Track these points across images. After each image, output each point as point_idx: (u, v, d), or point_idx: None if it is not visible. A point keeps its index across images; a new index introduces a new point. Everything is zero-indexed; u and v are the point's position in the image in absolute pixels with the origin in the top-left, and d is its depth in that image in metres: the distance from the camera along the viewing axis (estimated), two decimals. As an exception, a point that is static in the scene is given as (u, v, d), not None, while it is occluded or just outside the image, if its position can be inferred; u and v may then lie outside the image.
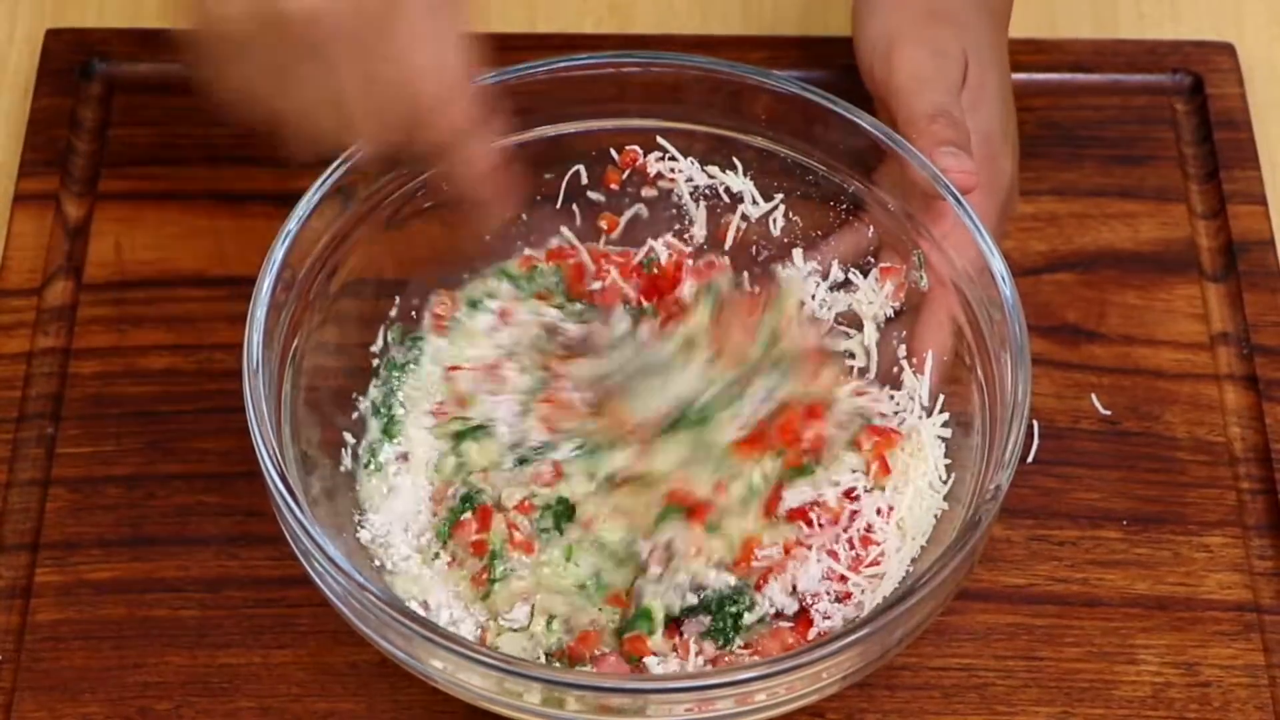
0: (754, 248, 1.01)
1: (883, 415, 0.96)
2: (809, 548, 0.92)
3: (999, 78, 1.01)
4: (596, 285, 0.99)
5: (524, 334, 0.98)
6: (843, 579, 0.91)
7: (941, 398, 0.95)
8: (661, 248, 1.00)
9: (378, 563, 0.93)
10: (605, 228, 1.01)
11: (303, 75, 0.81)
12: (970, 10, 1.01)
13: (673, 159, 0.99)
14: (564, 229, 1.01)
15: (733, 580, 0.91)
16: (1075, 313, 1.05)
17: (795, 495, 0.93)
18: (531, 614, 0.91)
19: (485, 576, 0.92)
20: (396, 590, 0.92)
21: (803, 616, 0.92)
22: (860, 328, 0.98)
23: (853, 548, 0.92)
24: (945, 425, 0.94)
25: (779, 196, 0.99)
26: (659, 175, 1.00)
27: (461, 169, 0.88)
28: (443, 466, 0.96)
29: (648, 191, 1.00)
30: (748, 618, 0.91)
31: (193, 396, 1.01)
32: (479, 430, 0.95)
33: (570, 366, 0.95)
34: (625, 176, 1.00)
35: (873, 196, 0.96)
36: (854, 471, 0.94)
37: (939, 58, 0.97)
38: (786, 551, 0.92)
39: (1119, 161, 1.10)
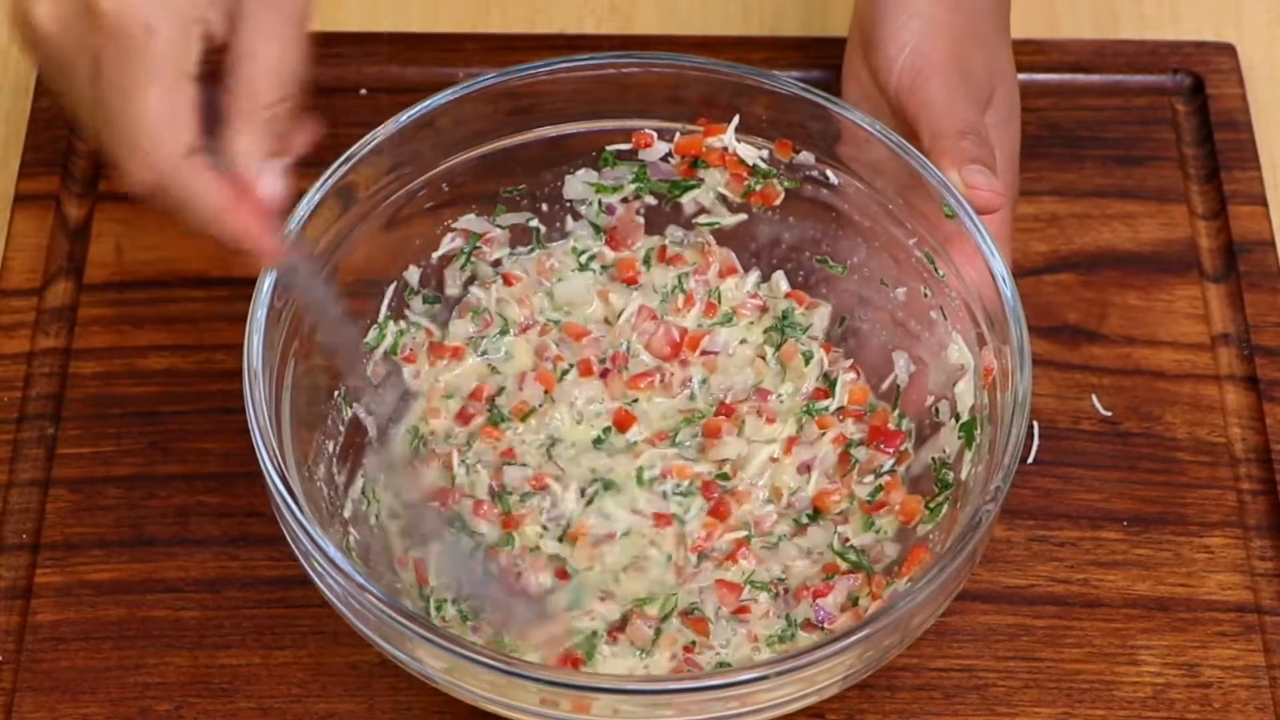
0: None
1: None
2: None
3: (1016, 94, 1.00)
4: None
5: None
6: None
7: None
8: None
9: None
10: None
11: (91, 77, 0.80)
12: (996, 30, 1.00)
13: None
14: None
15: None
16: (1076, 313, 1.05)
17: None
18: None
19: None
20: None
21: None
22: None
23: None
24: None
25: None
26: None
27: (186, 210, 0.82)
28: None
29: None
30: None
31: (193, 397, 1.01)
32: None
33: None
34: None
35: (871, 197, 0.96)
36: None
37: (969, 78, 0.96)
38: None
39: (1119, 162, 1.10)
